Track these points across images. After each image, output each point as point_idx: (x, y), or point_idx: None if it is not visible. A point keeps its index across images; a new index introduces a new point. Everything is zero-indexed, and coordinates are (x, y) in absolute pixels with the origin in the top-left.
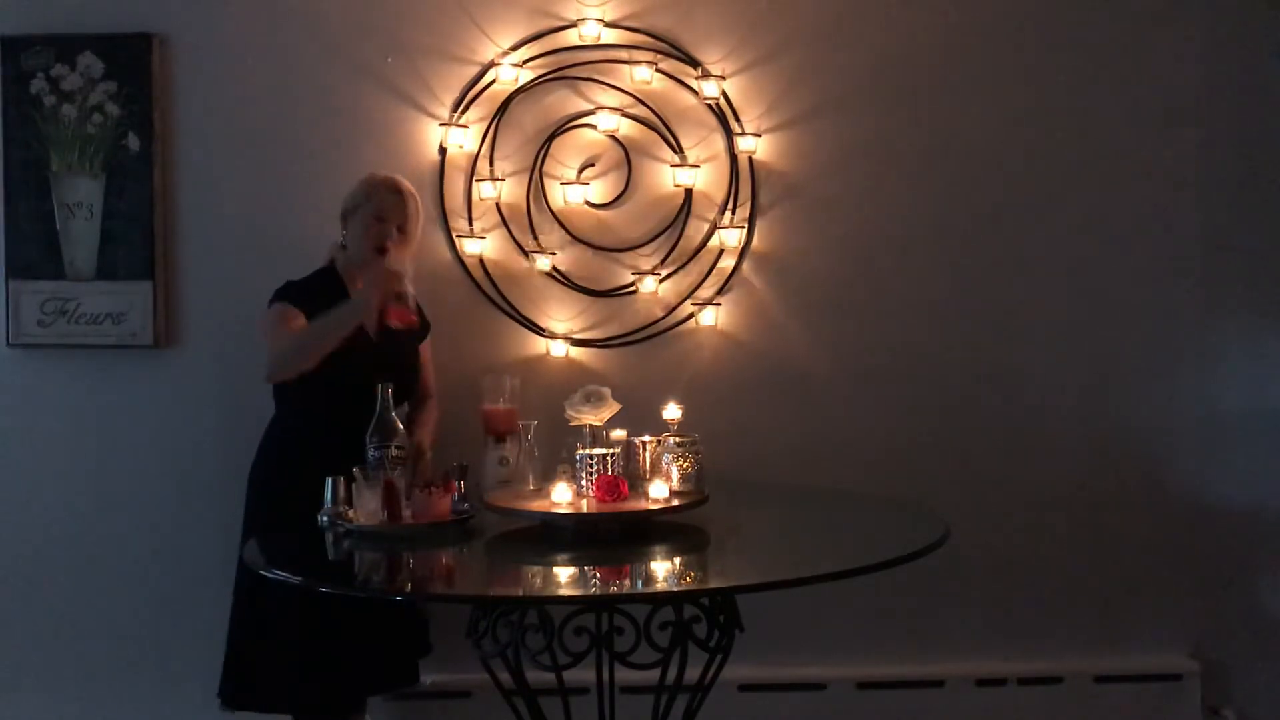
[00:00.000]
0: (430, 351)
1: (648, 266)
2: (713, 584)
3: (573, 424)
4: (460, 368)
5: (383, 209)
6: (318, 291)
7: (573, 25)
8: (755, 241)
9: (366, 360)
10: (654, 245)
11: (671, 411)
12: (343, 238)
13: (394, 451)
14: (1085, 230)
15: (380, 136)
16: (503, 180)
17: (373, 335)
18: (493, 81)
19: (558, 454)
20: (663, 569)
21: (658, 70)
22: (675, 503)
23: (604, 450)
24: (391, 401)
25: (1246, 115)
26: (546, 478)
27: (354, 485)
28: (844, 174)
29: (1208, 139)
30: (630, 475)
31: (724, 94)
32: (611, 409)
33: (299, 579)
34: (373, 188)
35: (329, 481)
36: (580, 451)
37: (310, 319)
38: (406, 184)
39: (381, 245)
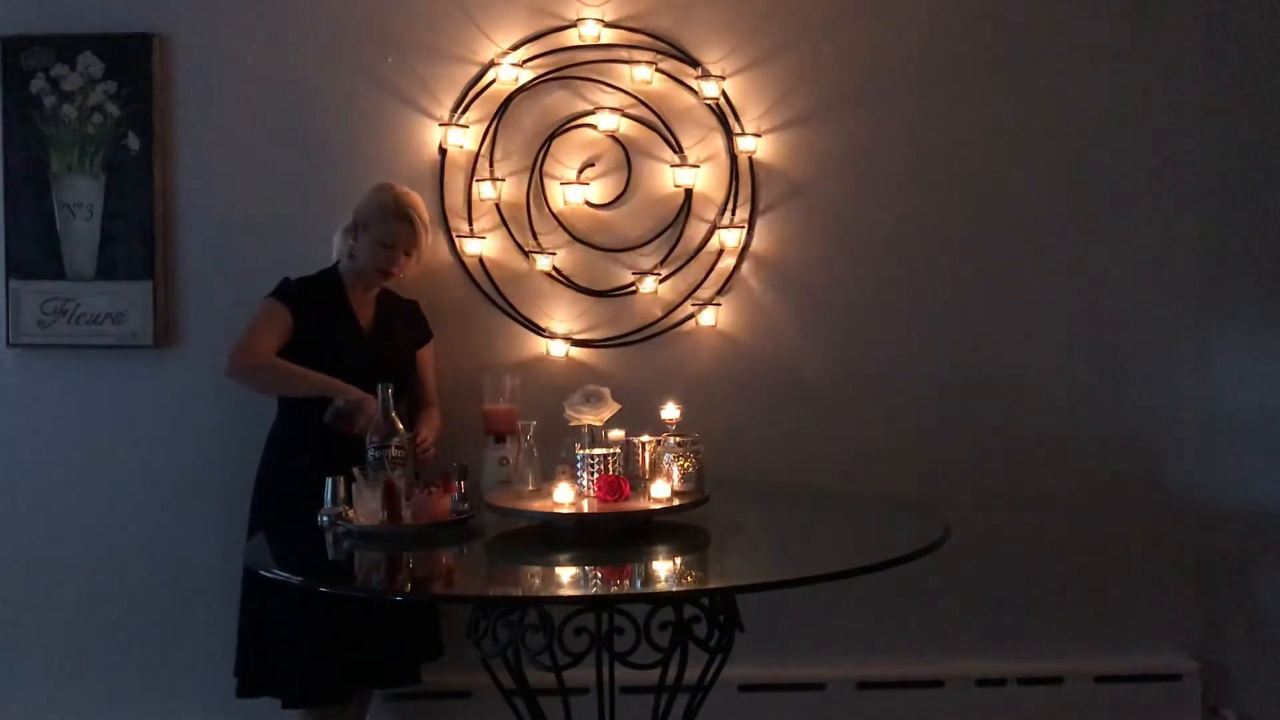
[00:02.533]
0: (432, 360)
1: (648, 266)
2: (713, 584)
3: (572, 424)
4: (460, 368)
5: (393, 236)
6: (315, 294)
7: (573, 25)
8: (755, 242)
9: (362, 361)
10: (654, 245)
11: (670, 412)
12: (351, 246)
13: (394, 451)
14: (1085, 231)
15: (380, 136)
16: (503, 180)
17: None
18: (493, 81)
19: (558, 454)
20: (663, 569)
21: (658, 70)
22: (675, 502)
23: (605, 450)
24: (392, 401)
25: (1246, 116)
26: (546, 478)
27: (354, 485)
28: (844, 174)
29: (1208, 139)
30: (629, 475)
31: (724, 94)
32: (611, 409)
33: (299, 579)
34: (386, 213)
35: (329, 481)
36: (581, 451)
37: (300, 323)
38: (417, 206)
39: (387, 271)
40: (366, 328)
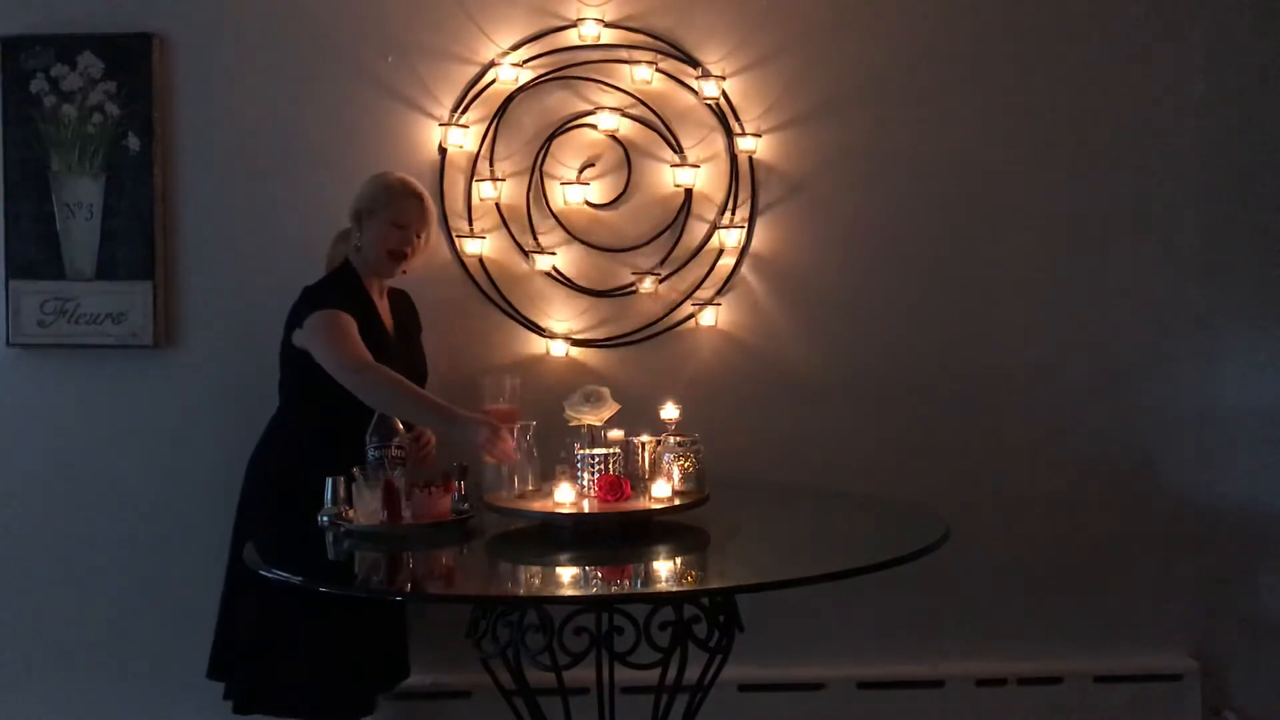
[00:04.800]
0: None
1: (648, 266)
2: (713, 584)
3: (572, 424)
4: (460, 368)
5: (403, 216)
6: (350, 297)
7: (573, 25)
8: (755, 242)
9: (393, 364)
10: (654, 245)
11: (669, 412)
12: (356, 239)
13: (394, 451)
14: (1085, 231)
15: (380, 136)
16: (503, 180)
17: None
18: (493, 81)
19: (557, 454)
20: (663, 569)
21: (658, 70)
22: (675, 502)
23: (605, 450)
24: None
25: (1246, 115)
26: (546, 478)
27: (354, 485)
28: (844, 174)
29: (1207, 139)
30: (630, 475)
31: (724, 94)
32: (611, 409)
33: (299, 579)
34: (392, 193)
35: (329, 481)
36: (581, 451)
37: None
38: (422, 187)
39: (401, 251)
40: (390, 328)
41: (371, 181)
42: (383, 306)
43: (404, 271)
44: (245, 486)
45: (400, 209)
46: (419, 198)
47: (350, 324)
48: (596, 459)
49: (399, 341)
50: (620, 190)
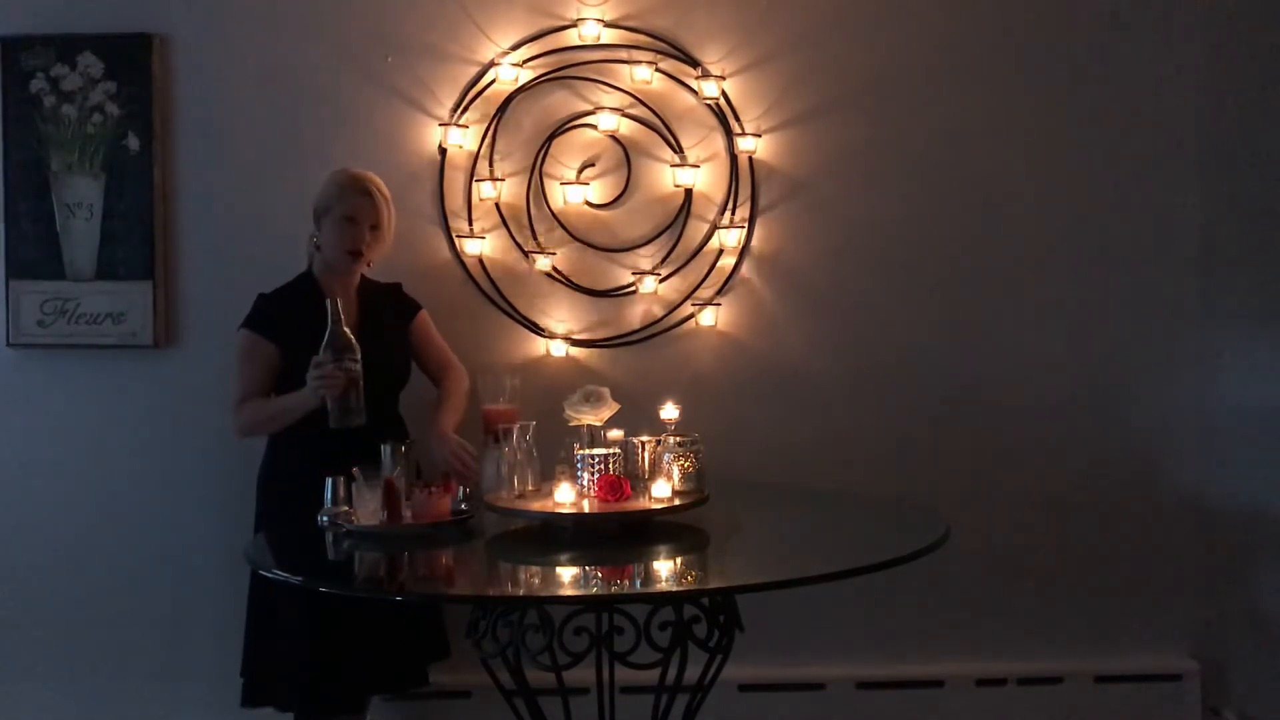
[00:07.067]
0: (432, 327)
1: (648, 266)
2: (713, 584)
3: (572, 424)
4: None
5: (354, 210)
6: (292, 305)
7: (573, 25)
8: (755, 241)
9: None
10: (654, 245)
11: (669, 412)
12: (316, 239)
13: (348, 364)
14: (1084, 230)
15: (380, 136)
16: (503, 180)
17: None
18: (493, 81)
19: (557, 454)
20: (663, 569)
21: (658, 70)
22: (675, 502)
23: (605, 450)
24: (341, 314)
25: (1246, 116)
26: (546, 478)
27: (354, 485)
28: (843, 174)
29: (1207, 139)
30: (629, 475)
31: (724, 94)
32: (611, 409)
33: (299, 579)
34: (342, 188)
35: (329, 481)
36: (581, 451)
37: (283, 343)
38: (375, 181)
39: (355, 249)
40: (351, 329)
41: (325, 182)
42: (344, 309)
43: (368, 264)
44: (256, 498)
45: (349, 204)
46: (368, 193)
47: (252, 355)
48: (596, 459)
49: (362, 339)
50: (620, 190)
